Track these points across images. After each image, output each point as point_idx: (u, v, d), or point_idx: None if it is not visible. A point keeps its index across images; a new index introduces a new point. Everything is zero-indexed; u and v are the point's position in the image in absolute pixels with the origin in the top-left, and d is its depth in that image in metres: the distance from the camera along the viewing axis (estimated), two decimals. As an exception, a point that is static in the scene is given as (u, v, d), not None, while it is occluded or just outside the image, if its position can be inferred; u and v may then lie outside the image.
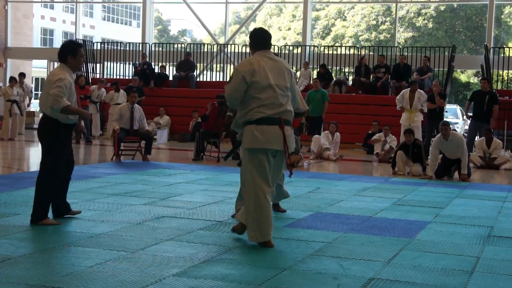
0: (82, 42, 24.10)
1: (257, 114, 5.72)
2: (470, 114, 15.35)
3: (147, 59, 22.75)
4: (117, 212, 7.22)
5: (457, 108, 27.00)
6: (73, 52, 6.48)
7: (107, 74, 25.51)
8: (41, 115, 6.28)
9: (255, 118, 5.72)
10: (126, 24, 56.67)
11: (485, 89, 15.25)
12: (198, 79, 23.25)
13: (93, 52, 24.17)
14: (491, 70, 20.06)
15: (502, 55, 21.66)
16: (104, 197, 8.31)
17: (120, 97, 18.58)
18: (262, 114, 5.71)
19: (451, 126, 12.45)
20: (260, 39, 5.99)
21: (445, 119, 15.64)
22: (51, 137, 6.41)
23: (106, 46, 25.63)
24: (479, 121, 15.06)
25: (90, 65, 23.54)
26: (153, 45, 25.37)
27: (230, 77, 5.89)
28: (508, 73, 23.74)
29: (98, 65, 24.69)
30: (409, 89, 16.13)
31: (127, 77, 23.51)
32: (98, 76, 24.25)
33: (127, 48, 24.79)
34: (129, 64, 24.81)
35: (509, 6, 42.97)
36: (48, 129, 6.42)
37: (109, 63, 25.70)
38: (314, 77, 19.58)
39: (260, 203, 5.73)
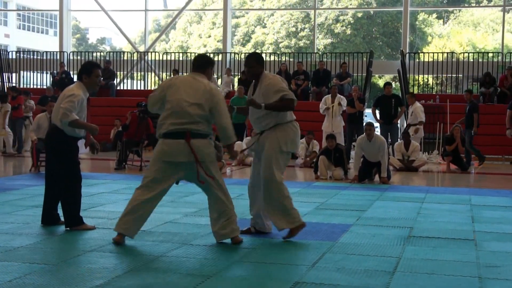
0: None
1: None
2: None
3: (66, 68, 22.30)
4: (36, 225, 7.03)
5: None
6: (87, 72, 6.84)
7: (23, 84, 24.88)
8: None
9: None
10: (42, 32, 55.38)
11: (389, 93, 15.84)
12: (118, 88, 22.97)
13: (8, 61, 23.53)
14: (408, 75, 20.61)
15: (418, 60, 22.30)
16: (23, 209, 8.09)
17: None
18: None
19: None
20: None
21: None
22: (61, 146, 6.76)
23: (22, 55, 25.00)
24: (387, 124, 15.63)
25: (5, 75, 22.90)
26: (71, 53, 24.91)
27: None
28: (423, 78, 24.46)
29: (14, 74, 24.04)
30: (330, 95, 16.42)
31: (45, 87, 22.99)
32: (14, 86, 23.60)
33: (44, 57, 24.24)
34: (47, 73, 24.28)
35: (423, 13, 44.30)
36: (56, 139, 6.78)
37: (25, 73, 25.08)
38: (236, 84, 19.64)
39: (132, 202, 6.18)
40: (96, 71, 6.89)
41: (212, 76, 20.79)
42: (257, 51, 39.45)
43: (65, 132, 6.73)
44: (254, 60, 6.63)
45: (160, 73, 24.15)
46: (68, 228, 6.80)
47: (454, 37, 43.14)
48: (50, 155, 6.99)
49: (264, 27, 45.46)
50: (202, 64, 6.30)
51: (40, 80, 24.78)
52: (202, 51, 38.11)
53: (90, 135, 7.02)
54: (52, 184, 6.92)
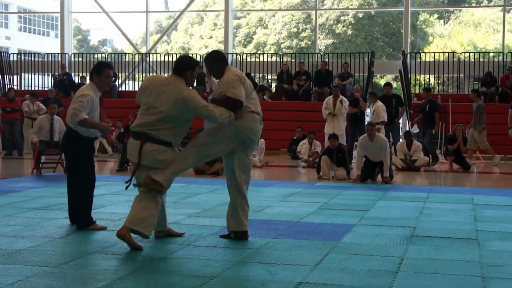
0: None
1: None
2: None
3: (67, 70, 22.30)
4: (38, 227, 7.02)
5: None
6: (98, 72, 6.93)
7: (25, 86, 24.89)
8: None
9: None
10: (44, 34, 55.45)
11: (389, 93, 15.88)
12: (120, 89, 22.97)
13: (9, 63, 23.53)
14: (409, 75, 20.61)
15: (419, 60, 22.30)
16: (25, 211, 8.07)
17: None
18: None
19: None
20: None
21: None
22: (75, 147, 6.89)
23: (23, 57, 25.01)
24: (388, 124, 15.62)
25: (6, 77, 22.90)
26: (72, 55, 24.91)
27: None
28: (425, 77, 24.44)
29: (15, 76, 24.05)
30: (332, 96, 16.41)
31: (46, 89, 23.01)
32: (15, 88, 23.63)
33: (46, 59, 24.24)
34: (48, 75, 24.29)
35: (424, 13, 44.28)
36: (72, 140, 6.91)
37: (27, 75, 25.09)
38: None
39: None
40: (107, 71, 6.96)
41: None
42: (259, 51, 39.45)
43: (80, 133, 6.82)
44: (210, 61, 6.34)
45: (162, 74, 24.14)
46: (79, 229, 6.86)
47: (455, 37, 43.12)
48: (68, 156, 7.14)
49: (266, 28, 45.47)
50: (180, 67, 6.05)
51: (42, 82, 24.79)
52: (203, 52, 38.10)
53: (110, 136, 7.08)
54: (72, 185, 7.05)
